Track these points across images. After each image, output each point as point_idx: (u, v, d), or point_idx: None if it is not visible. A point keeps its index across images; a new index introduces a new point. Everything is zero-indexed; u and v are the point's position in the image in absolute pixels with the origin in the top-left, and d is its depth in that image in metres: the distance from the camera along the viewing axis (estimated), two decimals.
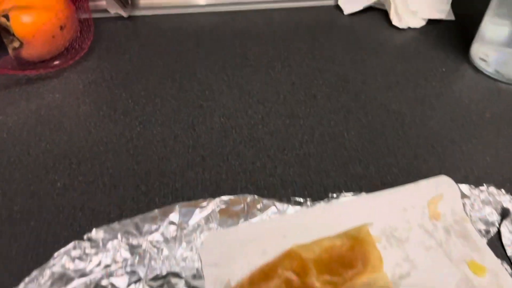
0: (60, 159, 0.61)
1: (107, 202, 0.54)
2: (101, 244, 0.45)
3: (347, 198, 0.55)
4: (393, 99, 0.73)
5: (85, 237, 0.46)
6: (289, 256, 0.47)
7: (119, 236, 0.46)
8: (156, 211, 0.48)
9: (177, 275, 0.43)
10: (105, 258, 0.44)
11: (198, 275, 0.45)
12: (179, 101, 0.72)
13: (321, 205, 0.54)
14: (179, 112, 0.70)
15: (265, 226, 0.51)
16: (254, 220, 0.51)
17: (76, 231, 0.50)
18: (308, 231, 0.51)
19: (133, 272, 0.42)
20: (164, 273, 0.43)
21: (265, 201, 0.52)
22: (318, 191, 0.58)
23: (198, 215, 0.49)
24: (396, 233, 0.53)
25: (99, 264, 0.43)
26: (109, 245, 0.45)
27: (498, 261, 0.49)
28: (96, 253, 0.44)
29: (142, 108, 0.70)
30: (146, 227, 0.47)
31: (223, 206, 0.50)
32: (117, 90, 0.74)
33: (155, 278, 0.42)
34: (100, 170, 0.59)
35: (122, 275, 0.41)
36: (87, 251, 0.44)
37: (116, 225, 0.46)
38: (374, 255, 0.48)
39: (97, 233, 0.46)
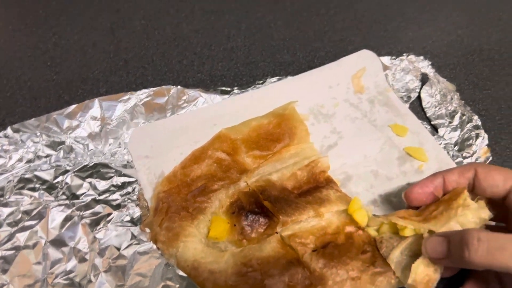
0: None
1: (29, 115, 0.52)
2: (19, 141, 0.44)
3: (273, 83, 0.55)
4: None
5: (0, 134, 0.44)
6: (219, 139, 0.48)
7: (38, 132, 0.44)
8: (74, 106, 0.46)
9: (106, 165, 0.43)
10: (26, 154, 0.43)
11: (129, 165, 0.45)
12: (94, 7, 0.67)
13: (248, 92, 0.54)
14: (96, 18, 0.65)
15: (194, 116, 0.51)
16: (181, 112, 0.51)
17: None
18: (238, 118, 0.51)
19: (59, 166, 0.41)
20: (91, 164, 0.43)
21: (191, 91, 0.51)
22: (248, 82, 0.58)
23: (121, 109, 0.47)
24: (323, 110, 0.54)
25: (20, 160, 0.42)
26: (29, 142, 0.44)
27: (419, 122, 0.52)
28: (16, 150, 0.43)
29: (56, 19, 0.65)
30: (66, 123, 0.45)
31: (146, 99, 0.49)
32: (25, 2, 0.68)
33: (83, 169, 0.42)
34: (17, 84, 0.56)
35: (47, 169, 0.40)
36: (5, 147, 0.42)
37: (32, 121, 0.45)
38: (300, 129, 0.49)
39: (13, 130, 0.44)
